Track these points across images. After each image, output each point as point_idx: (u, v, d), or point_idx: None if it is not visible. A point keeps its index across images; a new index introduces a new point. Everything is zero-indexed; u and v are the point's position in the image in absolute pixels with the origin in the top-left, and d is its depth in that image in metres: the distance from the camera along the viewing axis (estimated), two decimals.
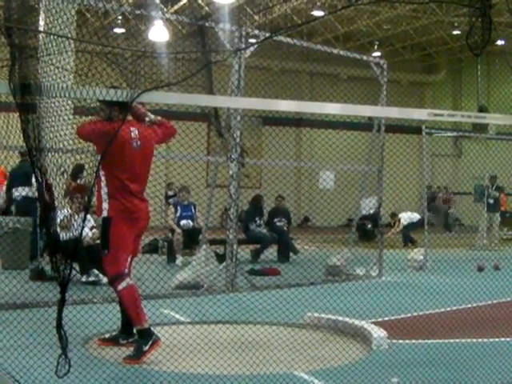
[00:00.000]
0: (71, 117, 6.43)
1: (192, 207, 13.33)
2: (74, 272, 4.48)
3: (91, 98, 4.31)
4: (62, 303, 4.01)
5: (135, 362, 5.50)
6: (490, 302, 8.66)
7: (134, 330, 5.82)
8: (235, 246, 9.59)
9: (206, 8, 22.30)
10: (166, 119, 6.24)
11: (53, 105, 4.75)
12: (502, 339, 6.58)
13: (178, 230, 12.79)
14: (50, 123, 4.60)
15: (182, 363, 5.33)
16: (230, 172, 9.49)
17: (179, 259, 12.47)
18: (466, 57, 29.06)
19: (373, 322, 6.87)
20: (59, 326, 3.98)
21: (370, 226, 18.05)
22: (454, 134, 25.69)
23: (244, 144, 10.17)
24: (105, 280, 8.34)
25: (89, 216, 9.69)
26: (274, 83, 18.09)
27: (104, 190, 5.73)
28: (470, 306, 8.29)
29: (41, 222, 7.01)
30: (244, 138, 10.03)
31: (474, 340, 6.43)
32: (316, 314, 7.23)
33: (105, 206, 5.74)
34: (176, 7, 22.08)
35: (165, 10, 19.49)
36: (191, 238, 12.63)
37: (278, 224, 14.71)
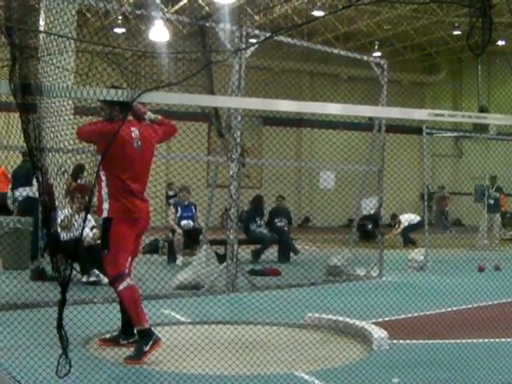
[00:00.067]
0: (72, 117, 6.44)
1: (192, 207, 13.33)
2: (74, 272, 4.48)
3: (92, 98, 4.31)
4: (62, 303, 4.01)
5: (136, 362, 5.49)
6: (490, 303, 8.66)
7: (135, 331, 5.82)
8: (236, 247, 9.58)
9: (207, 8, 22.30)
10: (167, 119, 6.23)
11: (53, 105, 4.74)
12: (503, 339, 6.57)
13: (179, 231, 12.79)
14: (50, 123, 4.60)
15: (183, 363, 5.32)
16: (231, 172, 9.49)
17: (180, 259, 12.47)
18: (467, 57, 29.07)
19: (373, 323, 6.87)
20: (60, 327, 3.98)
21: (370, 226, 18.05)
22: (455, 134, 25.68)
23: (244, 144, 10.17)
24: (105, 280, 8.34)
25: (89, 216, 9.70)
26: (274, 83, 18.07)
27: (104, 190, 5.73)
28: (470, 306, 8.28)
29: (42, 222, 7.01)
30: (244, 138, 10.03)
31: (475, 340, 6.43)
32: (316, 315, 7.22)
33: (105, 206, 5.74)
34: (176, 7, 22.08)
35: (165, 10, 19.49)
36: (192, 239, 12.63)
37: (279, 224, 14.71)
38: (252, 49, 9.67)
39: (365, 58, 11.94)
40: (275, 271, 11.65)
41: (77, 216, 9.75)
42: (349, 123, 18.43)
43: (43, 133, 4.21)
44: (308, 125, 27.68)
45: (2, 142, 7.58)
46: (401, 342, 6.32)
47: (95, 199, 5.95)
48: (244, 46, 9.51)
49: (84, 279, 9.69)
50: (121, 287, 5.66)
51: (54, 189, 4.47)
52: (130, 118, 5.85)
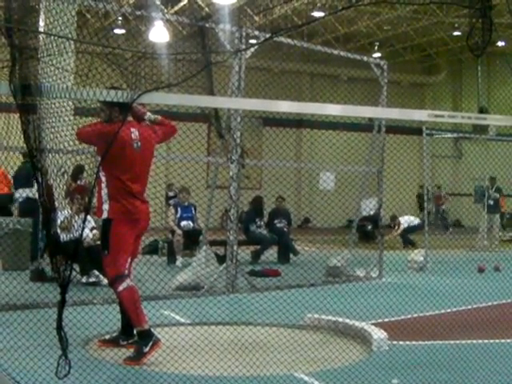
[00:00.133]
0: (71, 118, 6.43)
1: (192, 208, 13.33)
2: (74, 273, 4.48)
3: (92, 99, 4.31)
4: (62, 304, 4.01)
5: (135, 363, 5.49)
6: (490, 304, 8.67)
7: (134, 332, 5.82)
8: (235, 247, 9.58)
9: (207, 9, 22.31)
10: (167, 119, 6.23)
11: (53, 106, 4.74)
12: (503, 340, 6.58)
13: (179, 231, 12.79)
14: (50, 124, 4.60)
15: (183, 364, 5.32)
16: (231, 173, 9.49)
17: (179, 260, 12.46)
18: (467, 58, 29.09)
19: (373, 324, 6.87)
20: (59, 327, 3.98)
21: (370, 227, 18.05)
22: (455, 135, 25.69)
23: (244, 145, 10.17)
24: (105, 281, 8.34)
25: (89, 217, 9.69)
26: (274, 84, 18.07)
27: (104, 191, 5.73)
28: (470, 307, 8.28)
29: (43, 223, 7.01)
30: (244, 138, 10.03)
31: (475, 341, 6.42)
32: (316, 316, 7.22)
33: (105, 207, 5.74)
34: (176, 8, 22.10)
35: (165, 10, 19.50)
36: (191, 239, 12.63)
37: (279, 225, 14.71)
38: (252, 50, 9.67)
39: (365, 58, 11.94)
40: (275, 272, 11.65)
41: (76, 217, 9.75)
42: (349, 124, 18.48)
43: (43, 134, 4.21)
44: (308, 126, 27.70)
45: (1, 142, 7.57)
46: (400, 343, 6.32)
47: (95, 200, 5.95)
48: (244, 46, 9.52)
49: (84, 280, 9.69)
50: (120, 288, 5.66)
51: (54, 190, 4.46)
52: (130, 118, 5.85)
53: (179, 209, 13.21)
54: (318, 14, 22.93)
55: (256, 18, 23.82)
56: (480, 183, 18.76)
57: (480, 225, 18.38)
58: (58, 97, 3.95)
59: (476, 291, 8.37)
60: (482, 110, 24.72)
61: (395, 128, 15.41)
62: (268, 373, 5.26)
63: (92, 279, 9.68)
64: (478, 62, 26.80)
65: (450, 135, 24.65)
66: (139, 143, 5.83)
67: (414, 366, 5.55)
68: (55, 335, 4.02)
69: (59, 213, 9.32)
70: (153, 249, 13.60)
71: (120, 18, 20.25)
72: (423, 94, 32.51)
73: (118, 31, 20.59)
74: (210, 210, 11.53)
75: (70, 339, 4.25)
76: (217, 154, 10.88)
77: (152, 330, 5.74)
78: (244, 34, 9.57)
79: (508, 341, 6.59)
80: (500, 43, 25.35)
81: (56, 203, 4.51)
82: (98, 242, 7.72)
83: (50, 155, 4.33)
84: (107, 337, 6.22)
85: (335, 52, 11.66)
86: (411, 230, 17.91)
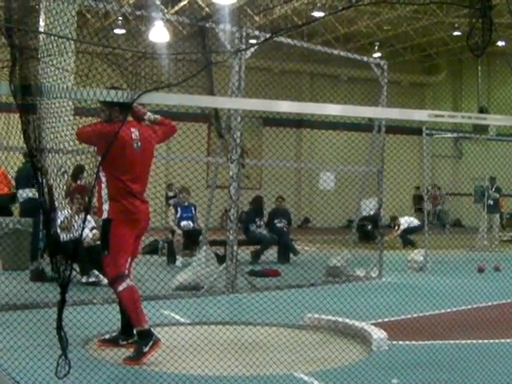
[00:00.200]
0: (72, 118, 6.43)
1: (192, 208, 13.33)
2: (74, 273, 4.48)
3: (92, 99, 4.32)
4: (62, 304, 4.01)
5: (135, 363, 5.49)
6: (490, 304, 8.67)
7: (134, 331, 5.82)
8: (235, 247, 9.58)
9: (207, 9, 22.31)
10: (167, 119, 6.23)
11: (53, 106, 4.74)
12: (503, 340, 6.58)
13: (179, 231, 12.79)
14: (50, 124, 4.60)
15: (182, 364, 5.32)
16: (231, 173, 9.49)
17: (179, 260, 12.46)
18: (467, 58, 29.10)
19: (373, 323, 6.87)
20: (59, 327, 3.98)
21: (370, 227, 18.06)
22: (455, 135, 25.70)
23: (244, 145, 10.17)
24: (105, 281, 8.34)
25: (89, 217, 9.70)
26: (274, 84, 18.07)
27: (104, 191, 5.73)
28: (470, 307, 8.29)
29: (43, 223, 7.02)
30: (244, 138, 10.03)
31: (475, 341, 6.42)
32: (316, 315, 7.22)
33: (105, 207, 5.74)
34: (176, 8, 22.10)
35: (165, 10, 19.50)
36: (191, 239, 12.63)
37: (278, 225, 14.71)
38: (252, 50, 9.67)
39: (365, 58, 11.93)
40: (275, 272, 11.65)
41: (76, 217, 9.75)
42: (349, 124, 18.48)
43: (43, 134, 4.21)
44: (308, 126, 27.70)
45: (1, 142, 7.57)
46: (400, 342, 6.32)
47: (95, 200, 5.95)
48: (244, 46, 9.52)
49: (84, 280, 9.69)
50: (120, 288, 5.66)
51: (54, 190, 4.47)
52: (130, 118, 5.85)
53: (179, 209, 13.21)
54: (318, 14, 22.94)
55: (256, 18, 23.83)
56: (480, 183, 18.76)
57: (480, 225, 18.38)
58: (58, 97, 3.96)
59: (476, 291, 8.37)
60: (482, 110, 24.75)
61: (395, 128, 15.42)
62: (268, 372, 5.27)
63: (92, 279, 9.69)
64: (478, 62, 26.82)
65: (450, 135, 24.66)
66: (139, 143, 5.83)
67: (413, 365, 5.56)
68: (55, 335, 4.03)
69: (59, 213, 9.32)
70: (153, 249, 13.60)
71: (120, 18, 20.26)
72: (423, 94, 32.52)
73: (118, 31, 20.61)
74: (210, 210, 11.53)
75: (70, 339, 4.25)
76: (217, 153, 10.88)
77: (152, 329, 5.75)
78: (244, 34, 9.57)
79: (508, 341, 6.59)
80: (500, 43, 25.36)
81: (56, 203, 4.51)
82: (98, 242, 7.72)
83: (50, 155, 4.33)
84: (107, 336, 6.22)
85: (335, 52, 11.66)
86: (411, 230, 17.92)
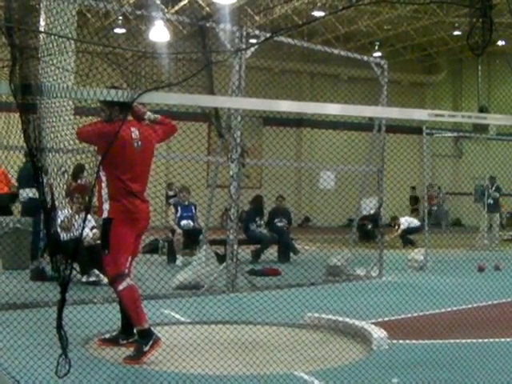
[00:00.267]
0: (72, 117, 6.44)
1: (192, 207, 13.33)
2: (74, 272, 4.49)
3: (92, 99, 4.32)
4: (62, 303, 4.01)
5: (135, 362, 5.50)
6: (490, 303, 8.67)
7: (134, 331, 5.82)
8: (235, 247, 9.59)
9: (207, 8, 22.31)
10: (167, 118, 6.23)
11: (53, 105, 4.74)
12: (503, 339, 6.58)
13: (179, 231, 12.80)
14: (50, 123, 4.60)
15: (183, 363, 5.33)
16: (231, 172, 9.49)
17: (179, 259, 12.47)
18: (467, 57, 29.10)
19: (373, 323, 6.87)
20: (59, 327, 3.98)
21: (370, 226, 18.06)
22: (455, 134, 25.71)
23: (244, 144, 10.17)
24: (105, 280, 8.34)
25: (89, 216, 9.70)
26: (274, 84, 18.09)
27: (105, 191, 5.73)
28: (470, 306, 8.29)
29: (44, 222, 7.03)
30: (244, 138, 10.03)
31: (475, 340, 6.43)
32: (316, 315, 7.23)
33: (105, 206, 5.74)
34: (177, 7, 22.10)
35: (165, 10, 19.50)
36: (191, 239, 12.64)
37: (279, 224, 14.71)
38: (252, 49, 9.67)
39: (365, 58, 11.94)
40: (275, 271, 11.65)
41: (77, 216, 9.75)
42: (349, 123, 18.50)
43: (43, 133, 4.22)
44: (308, 125, 27.72)
45: (2, 142, 7.58)
46: (400, 342, 6.32)
47: (95, 199, 5.95)
48: (244, 46, 9.52)
49: (84, 279, 9.69)
50: (120, 287, 5.66)
51: (54, 189, 4.47)
52: (130, 118, 5.85)
53: (179, 208, 13.22)
54: (318, 13, 22.93)
55: (256, 18, 23.83)
56: (480, 182, 18.76)
57: (480, 224, 18.38)
58: (59, 96, 3.96)
59: (476, 290, 8.37)
60: (482, 110, 24.74)
61: (395, 127, 15.45)
62: (268, 372, 5.27)
63: (92, 278, 9.69)
64: (478, 62, 26.81)
65: (450, 134, 24.66)
66: (139, 143, 5.83)
67: (413, 364, 5.56)
68: (55, 334, 4.03)
69: (59, 212, 9.32)
70: (153, 248, 13.60)
71: (120, 18, 20.26)
72: (423, 94, 32.51)
73: (118, 31, 20.62)
74: (210, 210, 11.53)
75: (70, 338, 4.26)
76: (217, 153, 10.88)
77: (152, 328, 5.75)
78: (244, 33, 9.57)
79: (508, 340, 6.59)
80: (500, 43, 25.36)
81: (56, 202, 4.52)
82: (98, 242, 7.72)
83: (50, 154, 4.34)
84: (107, 336, 6.22)
85: (335, 51, 11.66)
86: (411, 231, 17.93)
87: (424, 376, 5.19)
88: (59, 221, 9.31)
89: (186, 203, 13.32)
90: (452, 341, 6.39)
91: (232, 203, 9.48)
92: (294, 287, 10.01)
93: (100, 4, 8.78)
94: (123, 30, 20.54)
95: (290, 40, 10.76)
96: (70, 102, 7.03)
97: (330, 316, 7.11)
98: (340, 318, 6.99)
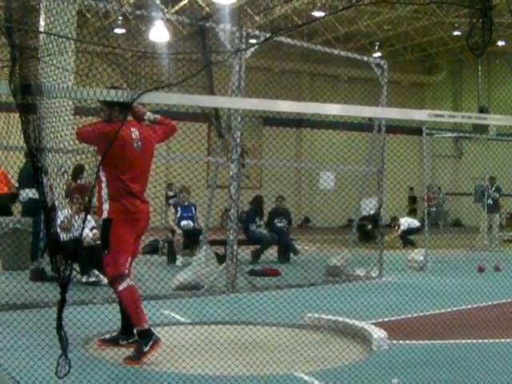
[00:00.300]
0: (72, 117, 6.44)
1: (192, 208, 13.33)
2: (74, 273, 4.48)
3: (92, 99, 4.31)
4: (62, 304, 4.01)
5: (135, 362, 5.49)
6: (490, 303, 8.67)
7: (134, 331, 5.82)
8: (235, 247, 9.58)
9: (207, 8, 22.31)
10: (167, 118, 6.23)
11: (53, 105, 4.74)
12: (503, 340, 6.58)
13: (179, 231, 12.79)
14: (50, 124, 4.60)
15: (183, 364, 5.32)
16: (231, 173, 9.49)
17: (179, 260, 12.47)
18: (467, 57, 29.10)
19: (373, 323, 6.87)
20: (59, 327, 3.98)
21: (370, 226, 18.07)
22: (455, 134, 25.70)
23: (244, 145, 10.17)
24: (105, 281, 8.34)
25: (89, 216, 9.69)
26: (274, 84, 18.09)
27: (104, 191, 5.73)
28: (470, 306, 8.29)
29: (45, 222, 7.02)
30: (244, 138, 10.03)
31: (475, 341, 6.42)
32: (316, 315, 7.23)
33: (105, 206, 5.74)
34: (176, 8, 22.10)
35: (165, 10, 19.49)
36: (191, 239, 12.63)
37: (279, 225, 14.70)
38: (252, 49, 9.67)
39: (365, 58, 11.93)
40: (275, 272, 11.65)
41: (77, 216, 9.75)
42: (349, 124, 18.50)
43: (43, 133, 4.21)
44: (308, 125, 27.71)
45: (1, 142, 7.57)
46: (400, 342, 6.32)
47: (95, 200, 5.95)
48: (244, 46, 9.51)
49: (84, 279, 9.69)
50: (120, 288, 5.66)
51: (54, 189, 4.47)
52: (130, 118, 5.85)
53: (179, 208, 13.21)
54: (318, 13, 22.94)
55: (256, 18, 23.83)
56: (480, 183, 18.76)
57: (480, 224, 18.38)
58: (58, 96, 3.95)
59: (476, 291, 8.37)
60: (482, 110, 24.74)
61: (395, 128, 15.44)
62: (268, 372, 5.27)
63: (92, 279, 9.68)
64: (478, 62, 26.82)
65: (450, 135, 24.65)
66: (139, 143, 5.83)
67: (413, 365, 5.56)
68: (55, 335, 4.02)
69: (59, 212, 9.31)
70: (153, 248, 13.60)
71: (120, 18, 20.26)
72: (423, 94, 32.52)
73: (118, 31, 20.61)
74: (210, 210, 11.53)
75: (70, 339, 4.25)
76: (217, 153, 10.88)
77: (152, 329, 5.74)
78: (244, 33, 9.57)
79: (508, 340, 6.59)
80: (500, 43, 25.36)
81: (56, 203, 4.51)
82: (98, 242, 7.72)
83: (50, 155, 4.33)
84: (107, 336, 6.22)
85: (335, 52, 11.66)
86: (411, 231, 17.94)
87: (424, 376, 5.18)
88: (59, 221, 9.31)
89: (186, 203, 13.32)
90: (452, 341, 6.38)
91: (232, 203, 9.48)
92: (293, 287, 10.00)
93: (100, 4, 8.78)
94: (123, 30, 20.54)
95: (289, 40, 10.76)
96: (70, 102, 7.03)
97: (330, 316, 7.11)
98: (340, 319, 6.99)
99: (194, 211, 13.29)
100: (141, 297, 5.90)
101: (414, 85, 31.91)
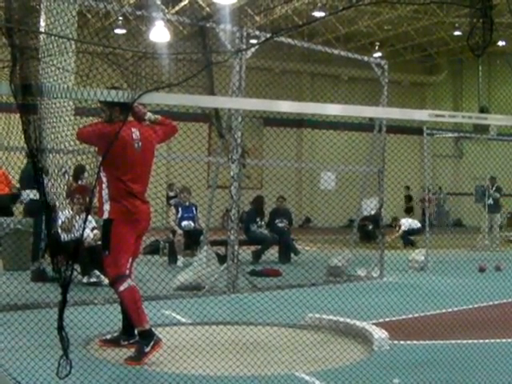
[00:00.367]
0: (72, 118, 6.43)
1: (193, 208, 13.33)
2: (75, 273, 4.48)
3: (92, 99, 4.31)
4: (63, 304, 4.01)
5: (136, 363, 5.49)
6: (491, 303, 8.66)
7: (136, 331, 5.82)
8: (236, 247, 9.58)
9: (207, 9, 22.32)
10: (167, 119, 6.22)
11: (54, 106, 4.74)
12: (504, 340, 6.57)
13: (180, 231, 12.79)
14: (51, 124, 4.59)
15: (184, 364, 5.33)
16: (231, 173, 9.49)
17: (180, 260, 12.47)
18: (467, 58, 29.11)
19: (374, 323, 6.87)
20: (60, 327, 3.98)
21: (371, 226, 18.07)
22: (455, 134, 25.71)
23: (245, 145, 10.17)
24: (106, 281, 8.34)
25: (90, 217, 9.69)
26: (275, 84, 18.09)
27: (105, 192, 5.73)
28: (471, 306, 8.28)
29: (46, 223, 7.01)
30: (245, 138, 10.03)
31: (476, 341, 6.42)
32: (317, 315, 7.22)
33: (106, 207, 5.74)
34: (177, 8, 22.11)
35: (166, 10, 19.50)
36: (192, 239, 12.63)
37: (279, 225, 14.70)
38: (253, 49, 9.67)
39: (365, 58, 11.93)
40: (276, 272, 11.65)
41: (77, 217, 9.75)
42: (349, 124, 18.52)
43: (44, 134, 4.21)
44: (308, 125, 27.72)
45: (2, 143, 7.57)
46: (401, 342, 6.31)
47: (96, 200, 5.95)
48: (244, 46, 9.51)
49: (85, 280, 9.69)
50: (121, 288, 5.66)
51: (55, 190, 4.47)
52: (130, 118, 5.85)
53: (180, 209, 13.21)
54: (318, 13, 22.94)
55: (257, 18, 23.83)
56: (481, 183, 18.75)
57: (481, 225, 18.37)
58: (59, 97, 3.95)
59: (477, 291, 8.37)
60: (482, 110, 24.71)
61: (396, 128, 15.43)
62: (269, 372, 5.27)
63: (93, 279, 9.69)
64: (478, 62, 26.81)
65: (450, 135, 24.66)
66: (140, 143, 5.83)
67: (415, 365, 5.55)
68: (56, 335, 4.02)
69: (60, 213, 9.31)
70: (154, 249, 13.60)
71: (121, 18, 20.26)
72: (424, 94, 32.52)
73: (118, 31, 20.62)
74: (211, 210, 11.53)
75: (71, 339, 4.25)
76: (217, 153, 10.87)
77: (153, 329, 5.74)
78: (245, 33, 9.57)
79: (509, 340, 6.59)
80: (500, 43, 25.37)
81: (57, 203, 4.51)
82: (99, 242, 7.71)
83: (50, 155, 4.33)
84: (108, 337, 6.22)
85: (336, 52, 11.66)
86: (411, 232, 17.93)
87: (425, 377, 5.18)
88: (60, 222, 9.31)
89: (187, 204, 13.32)
90: (453, 341, 6.38)
91: (233, 204, 9.47)
92: (294, 288, 10.00)
93: (100, 4, 8.78)
94: (123, 31, 20.54)
95: (290, 40, 10.76)
96: (71, 103, 7.01)
97: (331, 317, 7.11)
98: (341, 319, 6.99)
99: (194, 211, 13.29)
100: (142, 297, 5.90)
101: (415, 85, 31.92)
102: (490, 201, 17.89)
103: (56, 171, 4.40)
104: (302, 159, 27.86)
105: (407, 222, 18.26)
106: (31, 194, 10.69)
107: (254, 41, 10.44)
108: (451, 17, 23.79)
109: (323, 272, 11.10)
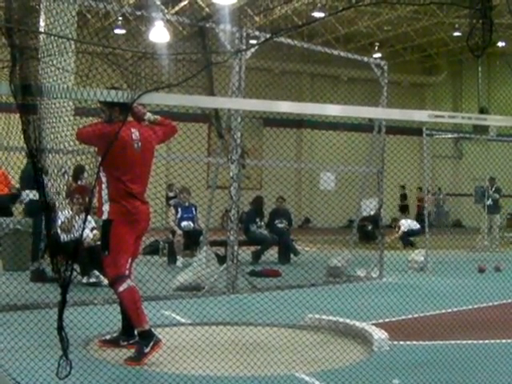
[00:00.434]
0: (72, 118, 6.43)
1: (193, 208, 13.33)
2: (74, 273, 4.47)
3: (92, 99, 4.31)
4: (62, 304, 4.00)
5: (136, 363, 5.49)
6: (491, 304, 8.66)
7: (135, 332, 5.81)
8: (236, 248, 9.58)
9: (207, 9, 22.31)
10: (167, 119, 6.22)
11: (53, 106, 4.74)
12: (504, 340, 6.58)
13: (179, 232, 12.79)
14: (50, 124, 4.59)
15: (183, 365, 5.32)
16: (231, 173, 9.49)
17: (180, 260, 12.46)
18: (467, 58, 29.11)
19: (374, 324, 6.87)
20: (60, 328, 3.98)
21: (370, 227, 18.06)
22: (455, 135, 25.69)
23: (245, 145, 10.17)
24: (105, 281, 8.33)
25: (89, 217, 9.69)
26: (274, 84, 18.08)
27: (105, 192, 5.72)
28: (471, 307, 8.28)
29: (45, 223, 7.00)
30: (245, 139, 10.03)
31: (476, 342, 6.42)
32: (317, 316, 7.22)
33: (105, 207, 5.73)
34: (177, 8, 22.11)
35: (165, 11, 19.50)
36: (192, 240, 12.63)
37: (279, 225, 14.70)
38: (252, 50, 9.67)
39: (365, 59, 11.93)
40: (275, 272, 11.65)
41: (77, 217, 9.74)
42: (349, 124, 18.49)
43: (43, 134, 4.21)
44: (308, 126, 27.72)
45: (2, 143, 7.57)
46: (401, 343, 6.31)
47: (95, 200, 5.94)
48: (244, 47, 9.51)
49: (84, 280, 9.69)
50: (121, 288, 5.65)
51: (55, 190, 4.46)
52: (130, 119, 5.84)
53: (180, 209, 13.21)
54: (318, 14, 22.93)
55: (256, 19, 23.84)
56: (480, 183, 18.75)
57: (480, 225, 18.37)
58: (59, 97, 3.95)
59: (477, 291, 8.36)
60: (482, 111, 24.69)
61: (395, 128, 15.41)
62: (269, 373, 5.26)
63: (92, 279, 9.68)
64: (478, 63, 26.81)
65: (450, 136, 24.65)
66: (140, 144, 5.83)
67: (414, 366, 5.55)
68: (56, 336, 4.02)
69: (60, 213, 9.31)
70: (153, 249, 13.59)
71: (120, 19, 20.26)
72: (423, 95, 32.52)
73: (118, 31, 20.62)
74: (211, 211, 11.53)
75: (71, 339, 4.25)
76: (217, 154, 10.87)
77: (153, 330, 5.74)
78: (244, 34, 9.57)
79: (509, 341, 6.59)
80: (500, 44, 25.37)
81: (56, 204, 4.51)
82: (99, 243, 7.71)
83: (50, 155, 4.33)
84: (108, 337, 6.22)
85: (335, 52, 11.66)
86: (411, 233, 17.93)
87: (425, 377, 5.18)
88: (59, 222, 9.31)
89: (187, 204, 13.31)
90: (453, 342, 6.38)
91: (232, 204, 9.47)
92: (294, 288, 10.00)
93: (100, 5, 8.78)
94: (123, 31, 20.54)
95: (290, 41, 10.76)
96: (70, 103, 7.00)
97: (331, 317, 7.10)
98: (341, 319, 6.99)
99: (194, 212, 13.29)
100: (141, 297, 5.90)
101: (414, 85, 31.92)
102: (490, 201, 17.88)
103: (56, 171, 4.40)
104: (302, 160, 27.85)
105: (407, 223, 18.27)
106: (31, 195, 10.69)
107: (253, 41, 10.43)
108: (451, 17, 23.80)
109: (323, 272, 11.09)
